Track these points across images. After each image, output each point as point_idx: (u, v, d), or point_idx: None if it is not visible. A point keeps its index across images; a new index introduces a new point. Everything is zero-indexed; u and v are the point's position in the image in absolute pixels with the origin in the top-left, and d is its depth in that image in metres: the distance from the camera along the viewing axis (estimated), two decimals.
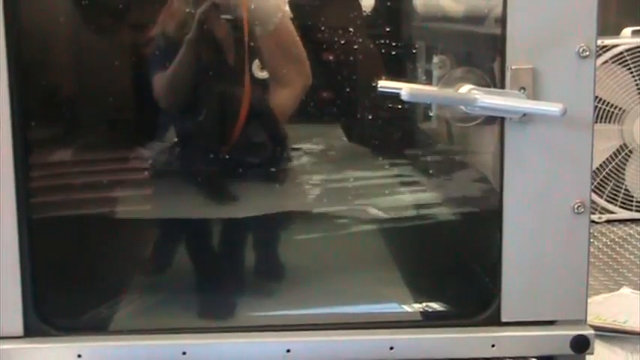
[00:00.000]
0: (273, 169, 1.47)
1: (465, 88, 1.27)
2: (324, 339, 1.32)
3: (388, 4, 1.48)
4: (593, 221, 2.27)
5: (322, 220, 1.51)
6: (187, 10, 1.39)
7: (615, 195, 2.40)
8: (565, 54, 1.25)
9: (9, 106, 1.25)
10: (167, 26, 1.40)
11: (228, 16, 1.39)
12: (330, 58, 1.44)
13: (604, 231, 2.34)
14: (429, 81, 1.46)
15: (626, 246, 2.22)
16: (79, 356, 1.29)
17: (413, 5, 1.51)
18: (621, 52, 2.34)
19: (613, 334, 1.60)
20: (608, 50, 2.33)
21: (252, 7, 1.40)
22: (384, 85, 1.23)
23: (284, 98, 1.45)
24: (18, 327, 1.29)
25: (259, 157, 1.47)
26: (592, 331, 1.32)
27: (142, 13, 1.45)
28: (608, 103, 2.36)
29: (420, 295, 1.44)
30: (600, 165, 2.37)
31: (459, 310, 1.38)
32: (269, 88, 1.45)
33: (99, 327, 1.36)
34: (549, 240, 1.30)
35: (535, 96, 1.25)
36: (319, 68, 1.43)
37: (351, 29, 1.43)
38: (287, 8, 1.41)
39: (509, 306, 1.31)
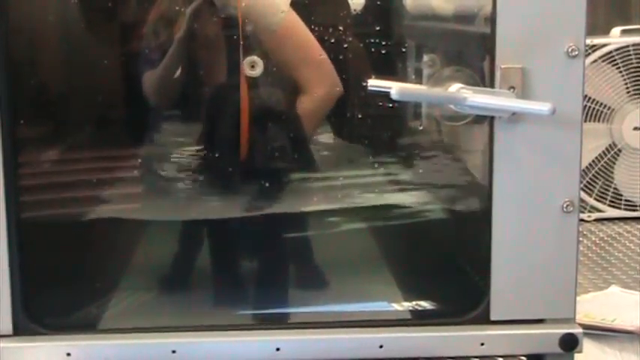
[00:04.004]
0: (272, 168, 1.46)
1: (455, 87, 1.27)
2: (313, 337, 1.32)
3: (378, 2, 1.48)
4: (582, 220, 2.28)
5: (312, 219, 1.51)
6: (178, 8, 1.38)
7: (604, 194, 2.40)
8: (554, 53, 1.25)
9: None
10: (157, 24, 1.40)
11: (222, 15, 1.39)
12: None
13: (593, 229, 2.34)
14: (418, 80, 1.46)
15: (615, 244, 2.23)
16: (68, 355, 1.29)
17: (403, 4, 1.51)
18: (610, 52, 2.35)
19: (602, 333, 1.61)
20: (597, 49, 2.34)
21: (251, 8, 1.38)
22: (374, 83, 1.23)
23: (304, 104, 1.42)
24: (7, 326, 1.29)
25: (276, 162, 1.43)
26: (581, 330, 1.32)
27: (132, 11, 1.44)
28: (597, 102, 2.37)
29: (409, 293, 1.44)
30: (589, 164, 2.38)
31: (449, 308, 1.39)
32: (287, 91, 1.41)
33: (88, 326, 1.36)
34: (538, 239, 1.30)
35: (524, 95, 1.25)
36: None
37: (340, 28, 1.43)
38: (287, 9, 1.39)
39: (499, 304, 1.32)
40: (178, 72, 1.41)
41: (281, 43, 1.39)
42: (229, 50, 1.40)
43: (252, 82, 1.40)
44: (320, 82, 1.40)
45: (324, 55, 1.39)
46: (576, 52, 1.25)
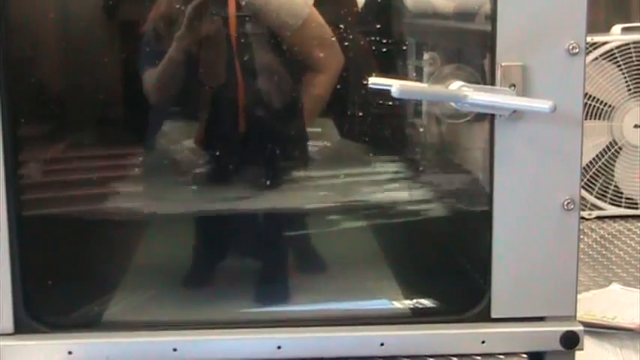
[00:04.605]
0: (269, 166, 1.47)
1: (455, 85, 1.27)
2: (314, 335, 1.32)
3: (379, 0, 1.48)
4: (582, 217, 2.28)
5: (313, 217, 1.51)
6: (178, 6, 1.38)
7: (605, 191, 2.40)
8: (555, 51, 1.25)
9: None
10: (157, 23, 1.40)
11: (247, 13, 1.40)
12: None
13: (594, 227, 2.34)
14: (419, 78, 1.46)
15: (615, 242, 2.23)
16: (70, 353, 1.29)
17: (403, 2, 1.51)
18: (611, 49, 2.34)
19: (602, 330, 1.61)
20: (597, 47, 2.33)
21: (280, 6, 1.41)
22: (375, 81, 1.23)
23: (321, 84, 1.45)
24: (8, 324, 1.29)
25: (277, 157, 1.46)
26: (582, 327, 1.32)
27: (132, 9, 1.44)
28: (598, 99, 2.37)
29: (410, 291, 1.44)
30: (590, 162, 2.38)
31: (450, 306, 1.39)
32: (301, 77, 1.45)
33: (89, 324, 1.36)
34: (539, 236, 1.30)
35: (525, 93, 1.25)
36: None
37: (341, 26, 1.43)
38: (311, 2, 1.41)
39: (500, 302, 1.32)
40: (178, 70, 1.41)
41: (303, 35, 1.41)
42: (252, 47, 1.41)
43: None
44: (332, 60, 1.43)
45: (333, 36, 1.43)
46: (577, 50, 1.25)
